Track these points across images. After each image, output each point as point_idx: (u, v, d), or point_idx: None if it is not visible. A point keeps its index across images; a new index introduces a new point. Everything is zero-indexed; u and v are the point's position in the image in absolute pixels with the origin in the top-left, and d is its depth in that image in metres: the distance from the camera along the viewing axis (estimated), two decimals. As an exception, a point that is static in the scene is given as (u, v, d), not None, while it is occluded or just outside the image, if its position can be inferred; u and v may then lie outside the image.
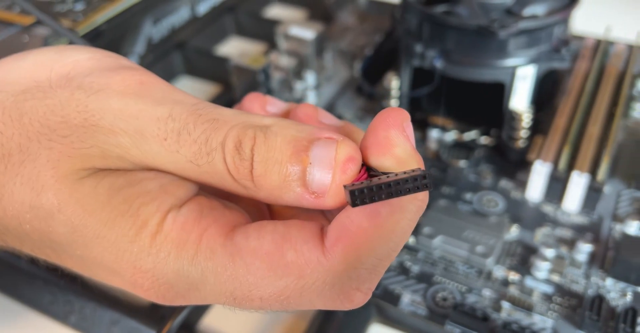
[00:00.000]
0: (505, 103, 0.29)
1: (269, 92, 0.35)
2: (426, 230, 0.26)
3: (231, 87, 0.35)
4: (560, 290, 0.24)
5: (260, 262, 0.14)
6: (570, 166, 0.27)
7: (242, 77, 0.34)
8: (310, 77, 0.35)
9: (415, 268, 0.25)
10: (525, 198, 0.28)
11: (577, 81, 0.32)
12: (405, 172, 0.14)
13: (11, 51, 0.17)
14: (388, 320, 0.25)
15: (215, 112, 0.15)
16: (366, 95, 0.35)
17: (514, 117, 0.29)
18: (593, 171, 0.26)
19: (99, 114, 0.15)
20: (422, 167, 0.15)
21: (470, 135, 0.31)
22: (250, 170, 0.15)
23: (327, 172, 0.14)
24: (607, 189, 0.28)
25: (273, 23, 0.40)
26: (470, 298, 0.24)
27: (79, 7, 0.30)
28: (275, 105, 0.19)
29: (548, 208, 0.27)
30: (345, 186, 0.14)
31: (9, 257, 0.25)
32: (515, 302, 0.23)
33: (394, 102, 0.32)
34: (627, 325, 0.21)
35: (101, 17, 0.30)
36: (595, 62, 0.33)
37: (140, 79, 0.16)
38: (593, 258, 0.25)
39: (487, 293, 0.24)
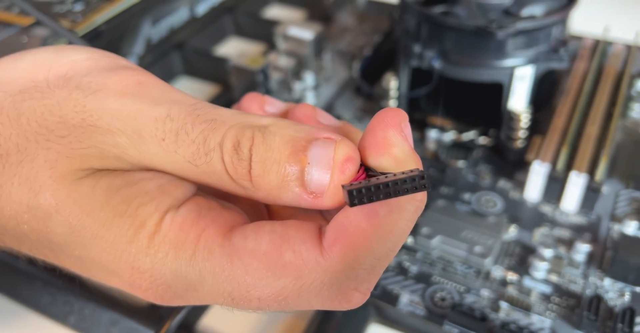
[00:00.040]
0: (504, 103, 0.29)
1: (268, 92, 0.35)
2: (425, 230, 0.26)
3: (230, 88, 0.35)
4: (559, 290, 0.24)
5: (258, 263, 0.14)
6: (569, 166, 0.27)
7: (241, 78, 0.34)
8: (309, 78, 0.36)
9: (413, 269, 0.25)
10: (523, 199, 0.28)
11: (575, 81, 0.32)
12: (403, 172, 0.14)
13: (10, 52, 0.17)
14: (386, 320, 0.25)
15: (213, 112, 0.15)
16: (365, 96, 0.35)
17: (512, 118, 0.29)
18: (591, 171, 0.26)
19: (97, 114, 0.15)
20: (420, 167, 0.15)
21: (469, 135, 0.31)
22: (248, 170, 0.15)
23: (326, 172, 0.14)
24: (605, 189, 0.28)
25: (272, 23, 0.40)
26: (469, 299, 0.24)
27: (78, 7, 0.30)
28: (273, 105, 0.19)
29: (546, 209, 0.27)
30: (343, 186, 0.14)
31: (8, 258, 0.25)
32: (514, 302, 0.23)
33: (392, 103, 0.32)
34: (625, 325, 0.21)
35: (100, 17, 0.30)
36: (593, 63, 0.33)
37: (138, 79, 0.16)
38: (591, 258, 0.25)
39: (485, 293, 0.24)
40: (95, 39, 0.30)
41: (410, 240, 0.26)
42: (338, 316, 0.24)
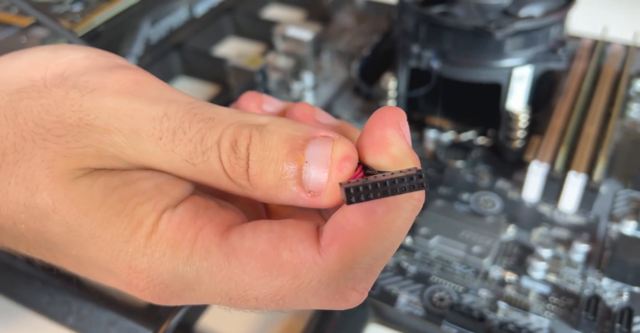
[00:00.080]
0: (502, 103, 0.29)
1: (267, 92, 0.35)
2: (423, 230, 0.26)
3: (229, 88, 0.35)
4: (557, 290, 0.24)
5: (256, 262, 0.14)
6: (567, 166, 0.27)
7: (240, 78, 0.34)
8: (307, 78, 0.36)
9: (412, 269, 0.25)
10: (522, 199, 0.28)
11: (574, 81, 0.32)
12: (401, 171, 0.14)
13: (9, 52, 0.17)
14: (385, 321, 0.25)
15: (210, 111, 0.15)
16: (364, 96, 0.35)
17: (510, 118, 0.29)
18: (590, 171, 0.26)
19: (94, 113, 0.15)
20: (419, 166, 0.15)
21: (467, 135, 0.31)
22: (246, 169, 0.15)
23: (323, 170, 0.14)
24: (604, 189, 0.28)
25: (271, 24, 0.40)
26: (467, 299, 0.24)
27: (77, 8, 0.30)
28: (271, 104, 0.19)
29: (545, 209, 0.27)
30: (340, 184, 0.14)
31: (7, 258, 0.25)
32: (512, 302, 0.23)
33: (391, 103, 0.32)
34: (623, 325, 0.21)
35: (99, 18, 0.30)
36: (592, 63, 0.33)
37: (135, 78, 0.16)
38: (589, 258, 0.25)
39: (483, 293, 0.24)
40: (94, 39, 0.30)
41: (408, 240, 0.26)
42: (337, 316, 0.24)
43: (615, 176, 0.29)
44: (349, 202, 0.13)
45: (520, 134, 0.29)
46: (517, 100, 0.29)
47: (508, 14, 0.28)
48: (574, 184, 0.26)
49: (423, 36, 0.29)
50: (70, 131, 0.15)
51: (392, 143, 0.15)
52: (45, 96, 0.15)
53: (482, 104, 0.31)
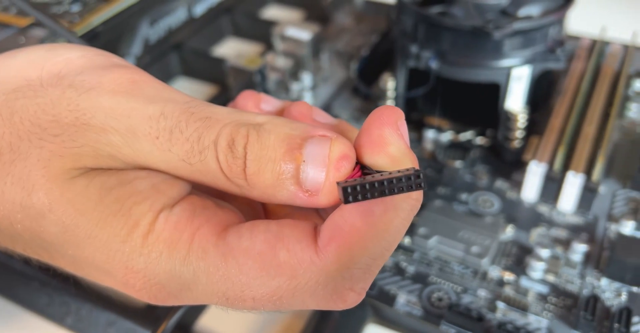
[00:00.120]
0: (501, 103, 0.29)
1: (265, 92, 0.35)
2: (422, 230, 0.26)
3: (228, 88, 0.35)
4: (555, 290, 0.24)
5: (253, 262, 0.14)
6: (566, 166, 0.27)
7: (239, 78, 0.34)
8: (306, 78, 0.36)
9: (410, 269, 0.25)
10: (520, 199, 0.28)
11: (572, 81, 0.32)
12: (399, 171, 0.14)
13: (6, 52, 0.17)
14: (384, 321, 0.25)
15: (207, 110, 0.15)
16: (362, 96, 0.35)
17: (509, 118, 0.29)
18: (588, 171, 0.26)
19: (90, 112, 0.15)
20: (417, 166, 0.15)
21: (466, 135, 0.31)
22: (243, 168, 0.14)
23: (321, 169, 0.14)
24: (602, 189, 0.28)
25: (269, 24, 0.40)
26: (466, 299, 0.24)
27: (75, 8, 0.30)
28: (269, 103, 0.19)
29: (543, 209, 0.27)
30: (338, 183, 0.14)
31: (5, 258, 0.25)
32: (511, 302, 0.23)
33: (390, 103, 0.32)
34: (621, 325, 0.21)
35: (97, 18, 0.30)
36: (590, 63, 0.33)
37: (132, 77, 0.16)
38: (588, 258, 0.25)
39: (482, 293, 0.24)
40: (93, 39, 0.30)
41: (407, 241, 0.26)
42: (335, 316, 0.24)
43: (613, 176, 0.29)
44: (347, 201, 0.13)
45: (518, 134, 0.29)
46: (515, 100, 0.29)
47: (506, 14, 0.28)
48: (572, 184, 0.26)
49: (422, 36, 0.29)
50: (67, 130, 0.15)
51: (390, 142, 0.15)
52: (41, 95, 0.15)
53: (480, 104, 0.31)
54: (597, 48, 0.34)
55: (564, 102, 0.30)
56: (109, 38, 0.31)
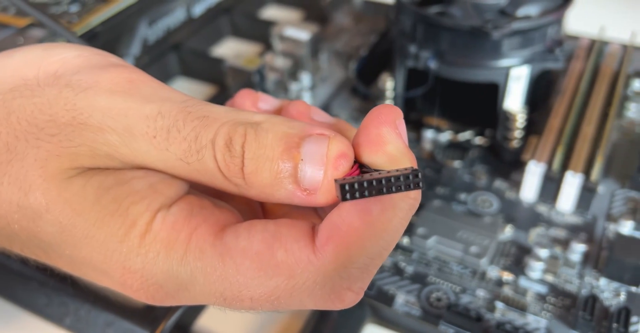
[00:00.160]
0: (500, 103, 0.29)
1: (264, 92, 0.35)
2: (420, 230, 0.26)
3: (226, 88, 0.35)
4: (554, 290, 0.24)
5: (250, 262, 0.14)
6: (564, 166, 0.27)
7: (238, 78, 0.34)
8: (305, 78, 0.35)
9: (409, 269, 0.25)
10: (519, 199, 0.28)
11: (571, 81, 0.32)
12: (397, 170, 0.14)
13: (3, 52, 0.17)
14: (382, 321, 0.25)
15: (205, 109, 0.15)
16: (361, 96, 0.35)
17: (508, 118, 0.29)
18: (587, 171, 0.26)
19: (87, 112, 0.15)
20: (415, 165, 0.15)
21: (465, 135, 0.31)
22: (241, 167, 0.14)
23: (319, 168, 0.14)
24: (601, 189, 0.28)
25: (268, 24, 0.40)
26: (464, 299, 0.23)
27: (74, 9, 0.30)
28: (267, 101, 0.19)
29: (542, 209, 0.27)
30: (335, 180, 0.14)
31: (3, 259, 0.25)
32: (509, 302, 0.23)
33: (388, 103, 0.32)
34: (620, 324, 0.21)
35: (96, 18, 0.30)
36: (589, 62, 0.33)
37: (129, 76, 0.16)
38: (587, 258, 0.25)
39: (481, 293, 0.24)
40: (92, 40, 0.30)
41: (406, 241, 0.26)
42: (334, 316, 0.24)
43: (612, 176, 0.29)
44: (344, 199, 0.13)
45: (517, 133, 0.29)
46: (514, 100, 0.29)
47: (505, 13, 0.28)
48: (571, 184, 0.26)
49: (420, 36, 0.29)
50: (64, 130, 0.15)
51: (388, 141, 0.14)
52: (38, 95, 0.15)
53: (479, 104, 0.31)
54: (596, 48, 0.34)
55: (563, 102, 0.30)
56: (107, 38, 0.31)
